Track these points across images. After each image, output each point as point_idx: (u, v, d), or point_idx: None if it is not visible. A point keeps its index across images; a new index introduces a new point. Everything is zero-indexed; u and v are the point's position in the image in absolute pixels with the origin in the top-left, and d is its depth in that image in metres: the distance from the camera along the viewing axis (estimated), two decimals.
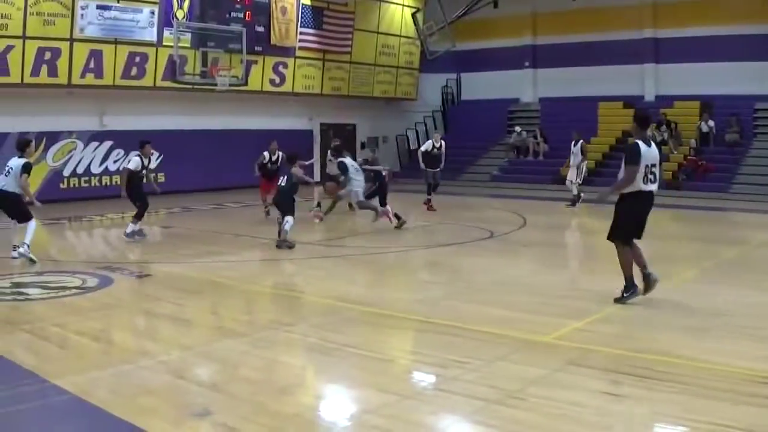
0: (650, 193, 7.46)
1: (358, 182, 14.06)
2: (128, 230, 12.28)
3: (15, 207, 10.25)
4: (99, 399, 4.84)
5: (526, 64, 27.58)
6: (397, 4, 27.03)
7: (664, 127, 22.88)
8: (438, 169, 17.89)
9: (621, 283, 7.65)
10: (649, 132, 20.69)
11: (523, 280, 9.16)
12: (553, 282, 8.85)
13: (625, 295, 7.55)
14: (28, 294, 8.16)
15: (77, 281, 8.85)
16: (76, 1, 17.57)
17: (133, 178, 12.31)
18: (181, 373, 5.50)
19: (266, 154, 15.27)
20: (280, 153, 15.02)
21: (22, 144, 10.34)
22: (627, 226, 7.53)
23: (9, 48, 16.77)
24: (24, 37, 16.96)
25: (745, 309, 7.58)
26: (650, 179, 7.39)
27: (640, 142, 7.40)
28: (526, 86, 27.75)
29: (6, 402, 4.81)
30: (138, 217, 12.34)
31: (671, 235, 13.96)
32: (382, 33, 26.79)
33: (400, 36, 27.56)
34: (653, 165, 7.41)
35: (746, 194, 19.18)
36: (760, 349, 5.95)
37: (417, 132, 28.84)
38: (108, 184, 20.00)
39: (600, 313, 7.18)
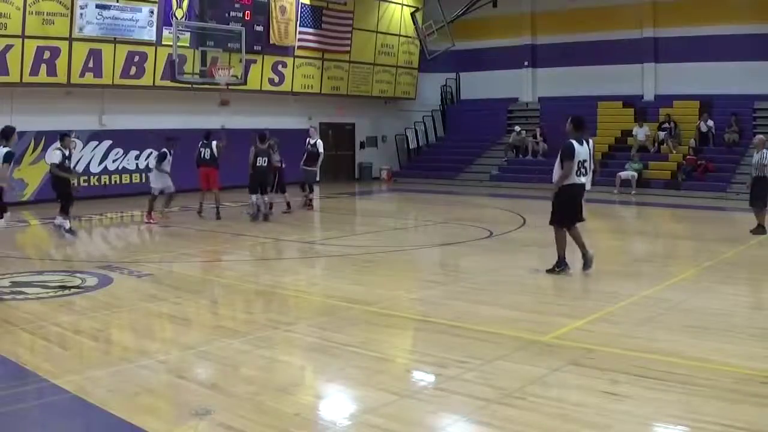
0: (582, 184, 8.83)
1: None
2: (56, 221, 12.63)
3: None
4: (98, 398, 4.83)
5: (525, 63, 27.57)
6: (396, 3, 27.04)
7: (666, 125, 22.90)
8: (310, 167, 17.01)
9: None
10: (649, 131, 20.87)
11: (523, 280, 9.16)
12: (553, 281, 8.85)
13: (556, 269, 8.98)
14: (27, 293, 8.14)
15: (77, 280, 8.85)
16: (75, 1, 17.56)
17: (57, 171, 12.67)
18: (181, 372, 5.49)
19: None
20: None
21: (6, 132, 10.32)
22: (562, 214, 8.89)
23: (8, 47, 16.76)
24: (23, 37, 16.94)
25: (744, 308, 7.61)
26: (582, 172, 8.74)
27: (574, 142, 8.71)
28: (525, 86, 27.74)
29: (5, 401, 4.80)
30: (64, 212, 12.63)
31: (670, 235, 13.98)
32: (381, 32, 26.80)
33: (400, 35, 27.56)
34: (584, 160, 8.74)
35: (745, 193, 19.10)
36: (760, 348, 5.95)
37: (416, 131, 28.86)
38: (107, 183, 20.02)
39: (600, 312, 7.18)
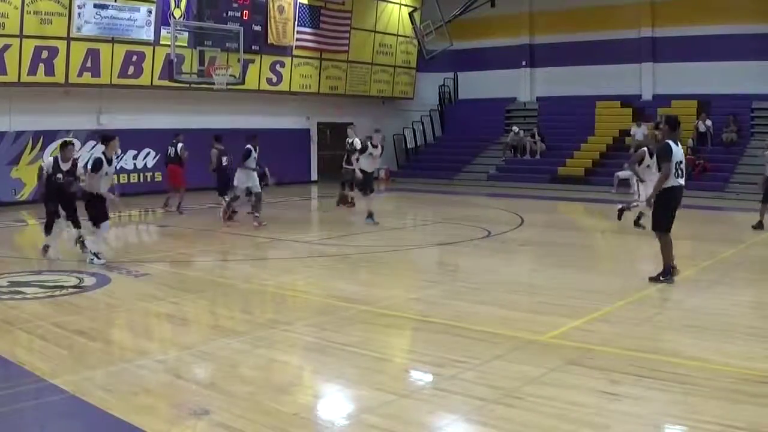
0: (681, 186, 8.40)
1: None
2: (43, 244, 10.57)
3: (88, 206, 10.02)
4: (96, 398, 4.82)
5: (524, 63, 27.58)
6: (394, 3, 27.02)
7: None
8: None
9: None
10: (647, 131, 20.68)
11: (521, 279, 9.16)
12: (551, 281, 8.85)
13: (661, 278, 8.41)
14: (25, 293, 8.13)
15: (75, 280, 8.83)
16: (73, 0, 17.53)
17: (48, 182, 10.41)
18: (179, 372, 5.49)
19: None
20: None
21: (105, 138, 10.16)
22: (666, 218, 8.43)
23: (6, 47, 16.72)
24: (21, 36, 16.91)
25: (742, 308, 7.61)
26: (679, 174, 8.34)
27: (670, 142, 8.36)
28: (523, 85, 27.75)
29: (4, 401, 4.79)
30: (46, 229, 10.55)
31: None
32: (379, 32, 26.78)
33: (398, 35, 27.55)
34: (680, 161, 8.35)
35: (743, 193, 19.20)
36: (760, 348, 5.95)
37: (414, 131, 28.85)
38: None
39: (598, 312, 7.18)
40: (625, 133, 23.74)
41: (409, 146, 28.77)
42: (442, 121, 29.39)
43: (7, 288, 8.37)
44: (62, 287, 8.42)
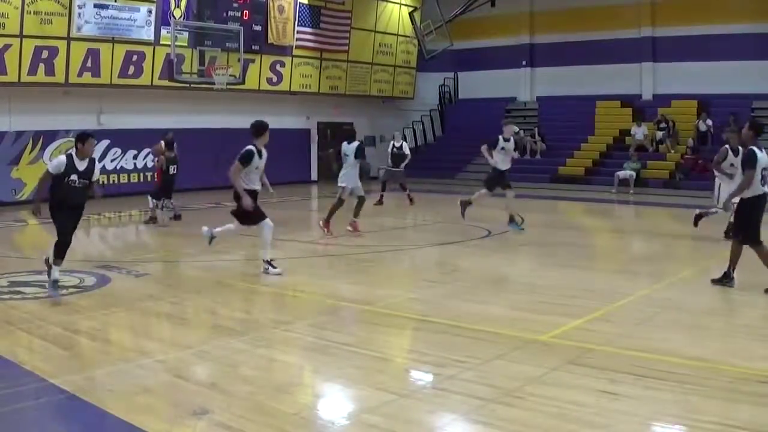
0: (766, 194, 8.09)
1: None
2: (53, 276, 7.96)
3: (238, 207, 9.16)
4: (97, 398, 4.82)
5: (524, 62, 27.59)
6: (394, 2, 27.04)
7: (663, 124, 22.93)
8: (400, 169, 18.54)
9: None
10: (647, 131, 20.51)
11: (522, 279, 9.16)
12: (552, 281, 8.85)
13: (724, 280, 8.25)
14: (25, 293, 8.13)
15: (75, 280, 8.82)
16: (73, 0, 17.55)
17: (56, 187, 7.82)
18: (179, 372, 5.48)
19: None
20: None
21: (257, 128, 9.45)
22: (755, 227, 8.11)
23: (6, 47, 16.74)
24: (21, 36, 16.93)
25: (744, 308, 7.61)
26: (765, 181, 8.05)
27: (756, 149, 8.01)
28: (523, 85, 27.77)
29: (4, 401, 4.79)
30: (58, 254, 7.94)
31: (669, 234, 13.97)
32: (379, 32, 26.80)
33: (398, 35, 27.57)
34: (765, 168, 8.00)
35: None
36: (759, 348, 5.95)
37: (414, 131, 28.84)
38: (105, 182, 19.98)
39: (598, 311, 7.18)
40: (626, 132, 23.78)
41: (409, 146, 28.74)
42: (442, 121, 29.39)
43: (7, 288, 8.36)
44: (62, 287, 8.41)
